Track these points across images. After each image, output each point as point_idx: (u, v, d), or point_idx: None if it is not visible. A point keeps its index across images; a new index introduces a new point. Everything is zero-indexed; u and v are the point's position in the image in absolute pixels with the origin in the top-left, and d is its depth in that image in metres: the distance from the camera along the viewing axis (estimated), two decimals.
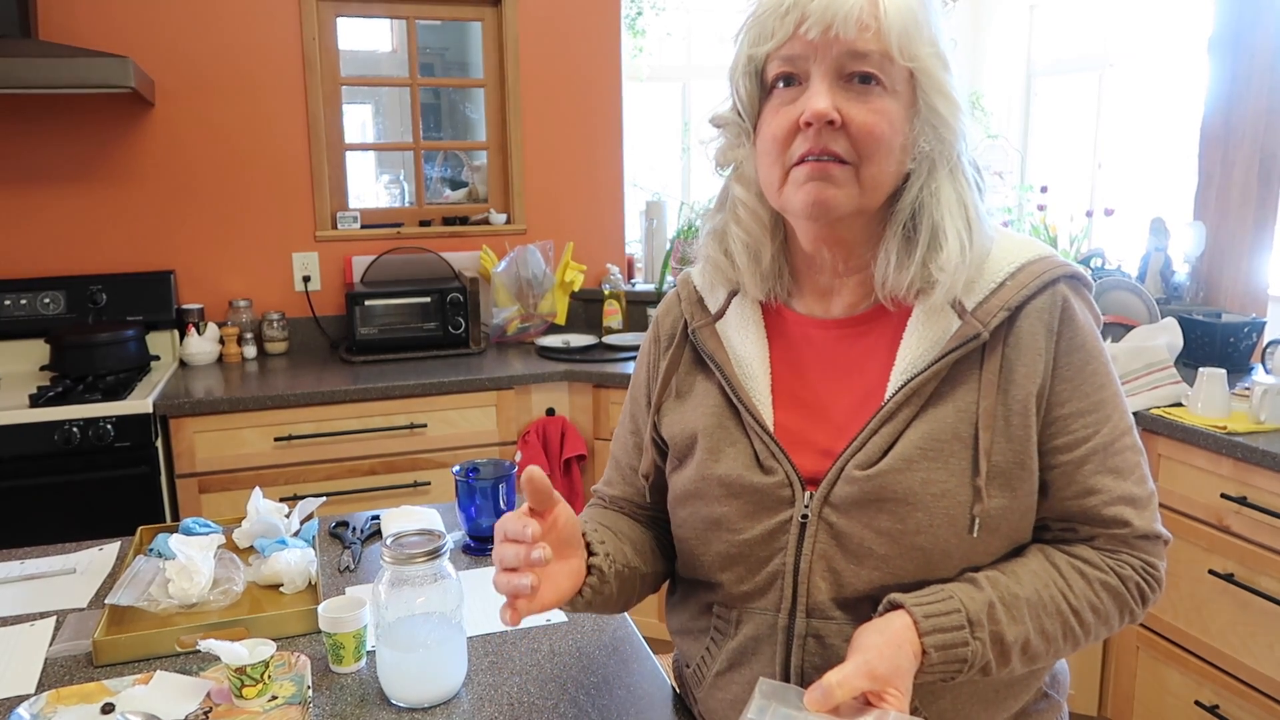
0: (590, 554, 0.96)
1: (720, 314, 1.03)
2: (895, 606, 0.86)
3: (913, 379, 0.90)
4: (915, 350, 0.91)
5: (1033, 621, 0.88)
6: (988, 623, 0.85)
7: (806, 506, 0.92)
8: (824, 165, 0.87)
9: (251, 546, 1.49)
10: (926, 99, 0.89)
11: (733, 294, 1.03)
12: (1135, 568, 0.92)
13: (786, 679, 0.94)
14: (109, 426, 2.42)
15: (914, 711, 0.89)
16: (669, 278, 3.31)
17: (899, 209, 0.92)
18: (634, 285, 3.44)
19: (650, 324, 1.13)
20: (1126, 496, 0.91)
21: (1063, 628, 0.90)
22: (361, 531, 1.60)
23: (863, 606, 0.91)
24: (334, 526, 1.63)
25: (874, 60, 0.86)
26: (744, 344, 1.01)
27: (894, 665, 0.81)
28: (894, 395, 0.91)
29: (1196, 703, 2.13)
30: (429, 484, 2.71)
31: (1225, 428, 2.02)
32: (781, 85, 0.90)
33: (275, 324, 3.07)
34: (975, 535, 0.88)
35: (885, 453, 0.90)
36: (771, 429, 0.96)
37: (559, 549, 0.91)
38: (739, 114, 0.95)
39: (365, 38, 3.54)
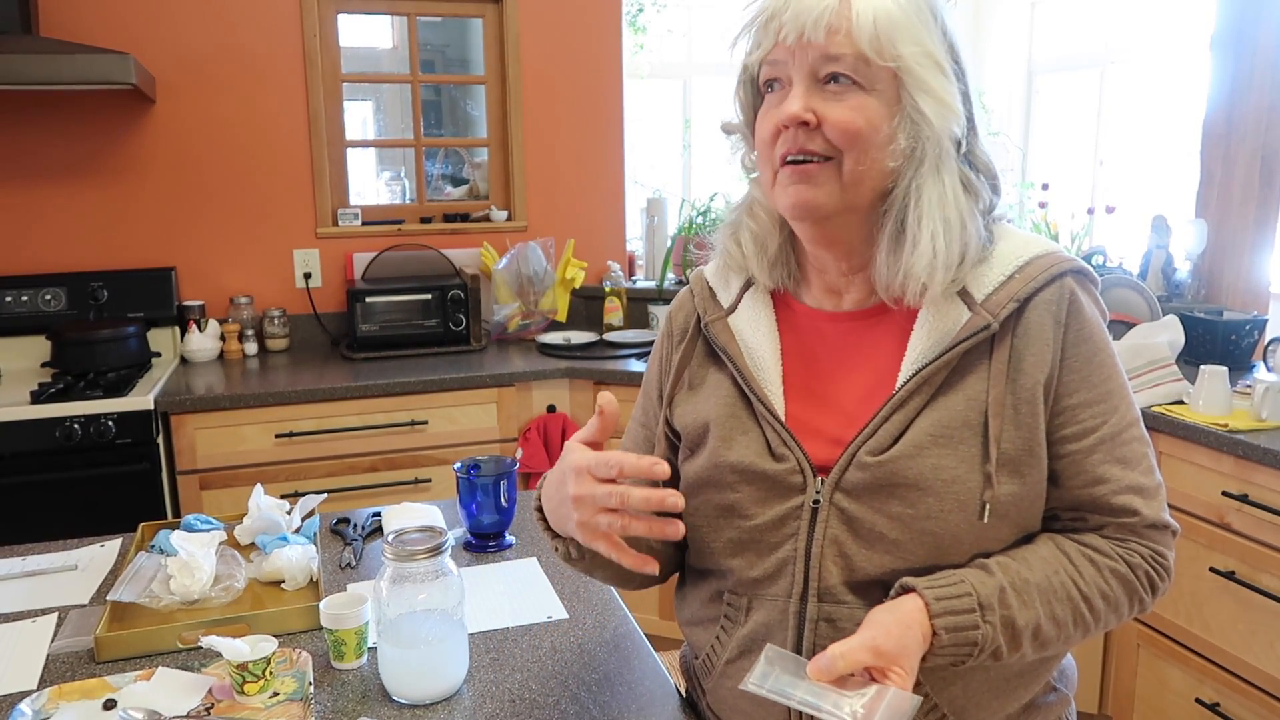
0: None
1: (733, 308, 1.06)
2: (907, 590, 0.88)
3: (923, 368, 0.92)
4: (926, 341, 0.93)
5: (1043, 607, 0.89)
6: (999, 607, 0.87)
7: (818, 492, 0.94)
8: (804, 168, 0.91)
9: (253, 543, 1.50)
10: (910, 97, 0.91)
11: (746, 286, 1.06)
12: (1144, 556, 0.94)
13: None
14: (110, 423, 2.43)
15: (922, 695, 0.90)
16: (670, 275, 3.31)
17: (887, 207, 0.94)
18: (635, 282, 3.44)
19: (663, 320, 1.15)
20: (1134, 486, 0.93)
21: (1073, 614, 0.91)
22: (363, 528, 1.60)
23: (874, 591, 0.93)
24: (335, 523, 1.63)
25: (847, 62, 0.89)
26: (755, 336, 1.03)
27: (901, 644, 0.82)
28: (905, 384, 0.93)
29: (1197, 700, 2.13)
30: (430, 481, 2.71)
31: (1226, 425, 2.02)
32: (770, 90, 0.95)
33: (276, 321, 3.07)
34: (985, 521, 0.90)
35: (896, 440, 0.92)
36: (783, 418, 0.98)
37: None
38: (742, 121, 1.01)
39: (366, 34, 3.54)
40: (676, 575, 1.15)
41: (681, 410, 1.06)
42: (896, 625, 0.84)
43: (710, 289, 1.09)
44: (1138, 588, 0.94)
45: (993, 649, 0.87)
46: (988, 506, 0.89)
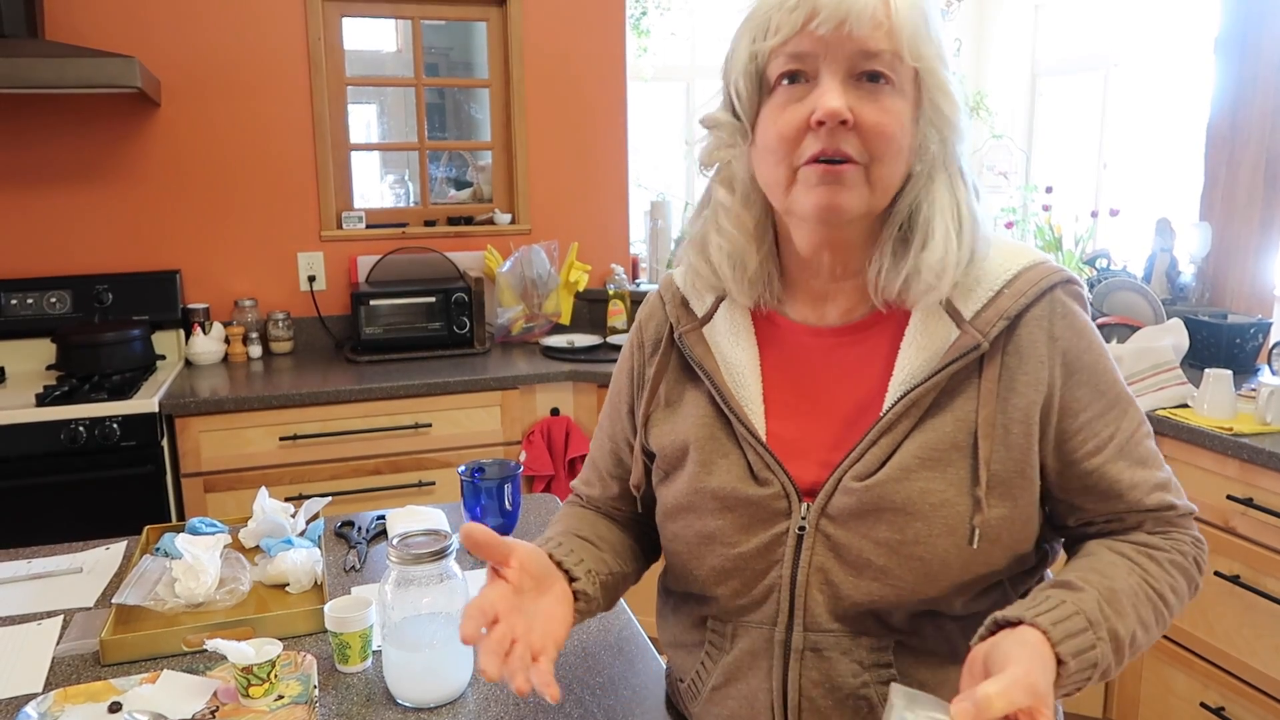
0: (572, 579, 0.94)
1: (707, 318, 1.00)
2: (1004, 624, 0.80)
3: (911, 390, 0.89)
4: (914, 361, 0.90)
5: (1133, 612, 0.85)
6: (1103, 621, 0.82)
7: (804, 518, 0.91)
8: (836, 169, 0.84)
9: (257, 546, 1.50)
10: (931, 98, 0.87)
11: (719, 299, 1.00)
12: (1188, 541, 0.94)
13: (784, 693, 0.92)
14: (115, 426, 2.43)
15: None
16: None
17: (896, 210, 0.90)
18: (638, 285, 3.44)
19: (632, 329, 1.09)
20: (1160, 483, 0.93)
21: (1154, 613, 0.88)
22: (367, 531, 1.60)
23: (860, 619, 0.90)
24: (339, 526, 1.63)
25: (885, 59, 0.84)
26: (734, 350, 0.98)
27: (1048, 682, 0.74)
28: (893, 406, 0.90)
29: (1202, 704, 2.13)
30: (434, 484, 2.71)
31: (1231, 429, 2.01)
32: (786, 83, 0.87)
33: (280, 324, 3.07)
34: (975, 546, 0.87)
35: (883, 464, 0.89)
36: (764, 439, 0.94)
37: (538, 584, 0.90)
38: (735, 113, 0.91)
39: (370, 38, 3.55)
40: (657, 593, 1.12)
41: (658, 431, 1.01)
42: (1039, 660, 0.75)
43: (682, 295, 1.03)
44: (1193, 573, 0.93)
45: (1105, 667, 0.81)
46: (977, 531, 0.87)
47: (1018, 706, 0.69)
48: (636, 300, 3.32)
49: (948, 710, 0.70)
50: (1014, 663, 0.73)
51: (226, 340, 2.98)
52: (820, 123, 0.83)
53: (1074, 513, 0.95)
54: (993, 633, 0.80)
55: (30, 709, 1.07)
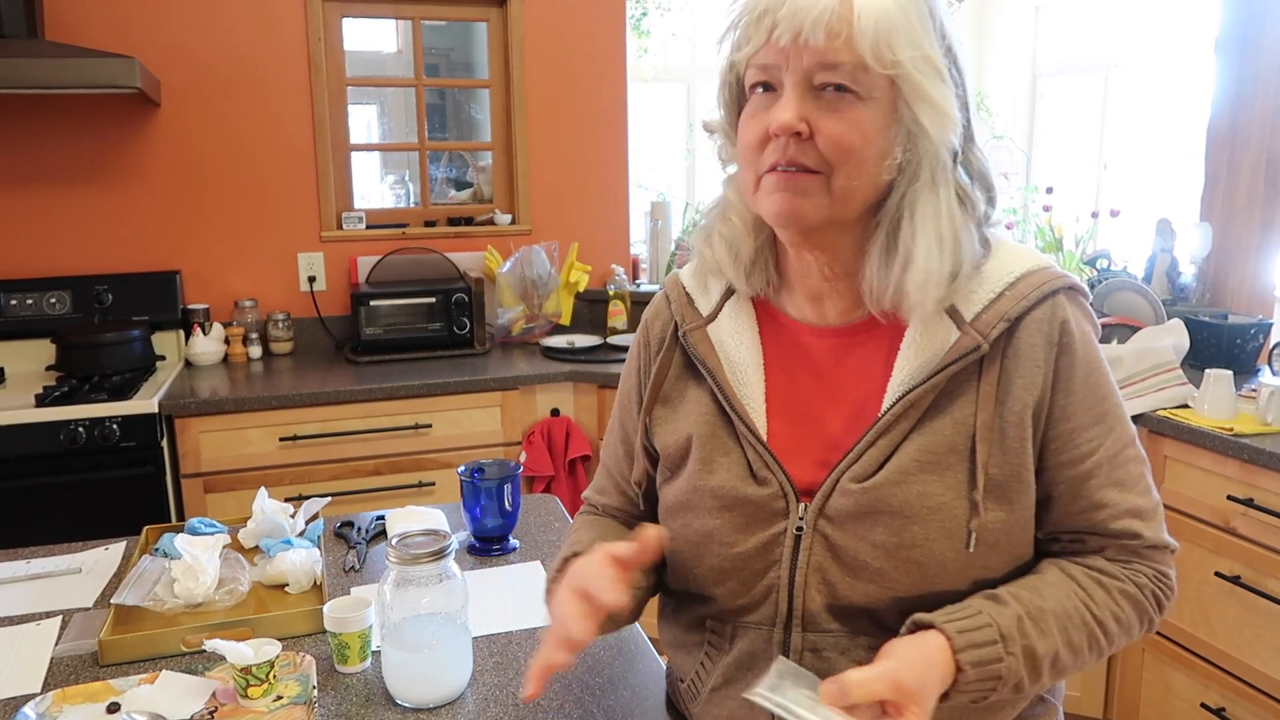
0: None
1: (712, 316, 1.01)
2: (922, 626, 0.84)
3: (910, 391, 0.89)
4: (913, 362, 0.90)
5: (1060, 634, 0.86)
6: (1019, 637, 0.83)
7: (801, 518, 0.91)
8: (792, 176, 0.86)
9: (257, 546, 1.50)
10: (908, 107, 0.85)
11: (727, 295, 1.01)
12: (1149, 576, 0.92)
13: None
14: (114, 426, 2.43)
15: None
16: None
17: (880, 219, 0.90)
18: (639, 286, 3.44)
19: (639, 328, 1.10)
20: (1133, 509, 0.91)
21: (1088, 639, 0.88)
22: (366, 532, 1.60)
23: (859, 620, 0.90)
24: (339, 527, 1.63)
25: (845, 71, 0.83)
26: (738, 349, 0.99)
27: (921, 682, 0.78)
28: (891, 408, 0.89)
29: (1203, 705, 2.12)
30: (434, 484, 2.71)
31: (1232, 429, 2.01)
32: (761, 91, 0.89)
33: (280, 324, 3.07)
34: (971, 550, 0.87)
35: (881, 466, 0.89)
36: (765, 438, 0.95)
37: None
38: (724, 121, 0.96)
39: (371, 38, 3.55)
40: (658, 594, 1.10)
41: (661, 428, 1.02)
42: (919, 661, 0.79)
43: (688, 294, 1.04)
44: (1147, 607, 0.92)
45: (1015, 682, 0.83)
46: (974, 535, 0.87)
47: (876, 697, 0.76)
48: (637, 300, 3.32)
49: (818, 688, 0.77)
50: (891, 658, 0.80)
51: (226, 341, 2.98)
52: (776, 134, 0.86)
53: (1039, 525, 0.93)
54: (911, 631, 0.85)
55: (29, 709, 1.07)
